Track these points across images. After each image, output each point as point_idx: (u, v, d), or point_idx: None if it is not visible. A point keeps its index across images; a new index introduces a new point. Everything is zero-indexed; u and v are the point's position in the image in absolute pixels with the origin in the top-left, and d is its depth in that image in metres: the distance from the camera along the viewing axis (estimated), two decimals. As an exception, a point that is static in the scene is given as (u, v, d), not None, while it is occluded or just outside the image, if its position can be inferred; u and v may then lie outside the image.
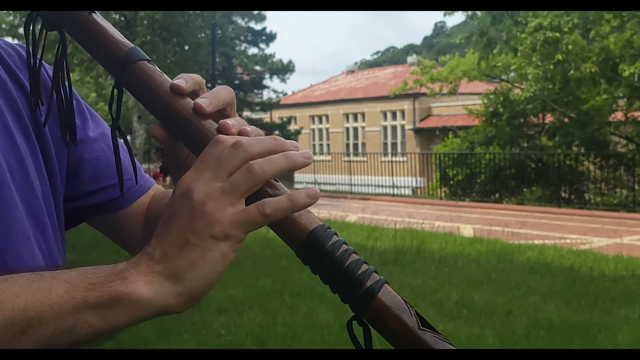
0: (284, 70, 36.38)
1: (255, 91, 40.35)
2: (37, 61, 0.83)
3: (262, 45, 37.23)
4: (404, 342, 0.69)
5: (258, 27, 35.93)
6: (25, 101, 0.88)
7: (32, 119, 0.86)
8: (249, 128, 0.75)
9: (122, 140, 0.88)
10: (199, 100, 0.73)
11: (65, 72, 0.83)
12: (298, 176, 25.81)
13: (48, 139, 0.86)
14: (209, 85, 24.59)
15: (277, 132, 35.81)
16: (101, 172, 0.93)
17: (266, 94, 44.54)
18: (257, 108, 37.62)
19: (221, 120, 0.73)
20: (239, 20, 21.36)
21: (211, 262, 0.67)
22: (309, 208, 0.71)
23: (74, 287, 0.65)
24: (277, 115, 40.37)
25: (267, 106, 37.95)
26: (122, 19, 17.11)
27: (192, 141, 0.73)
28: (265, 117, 39.92)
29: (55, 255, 0.84)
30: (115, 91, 0.77)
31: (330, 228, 0.71)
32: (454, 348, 0.69)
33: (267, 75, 37.25)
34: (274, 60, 36.47)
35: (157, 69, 0.75)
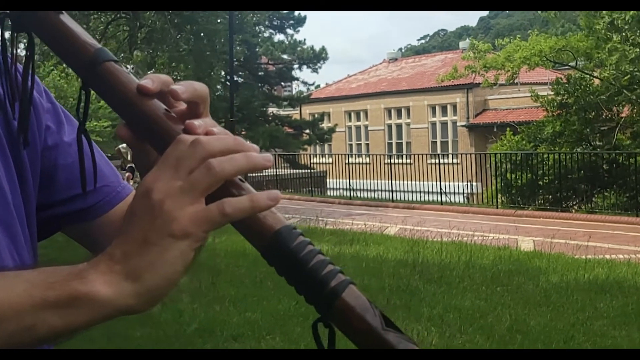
0: (315, 58, 36.52)
1: (283, 84, 40.61)
2: (10, 64, 0.91)
3: (289, 31, 37.48)
4: (367, 342, 0.76)
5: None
6: None
7: (3, 124, 0.95)
8: (217, 129, 0.83)
9: (95, 145, 0.97)
10: (174, 87, 0.82)
11: (31, 74, 0.91)
12: (331, 181, 25.89)
13: (20, 144, 0.95)
14: (227, 77, 24.63)
15: (307, 131, 35.99)
16: (76, 178, 0.99)
17: (295, 87, 44.84)
18: (285, 103, 37.79)
19: (187, 120, 0.81)
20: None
21: (170, 261, 0.74)
22: (273, 209, 0.79)
23: (33, 286, 0.74)
24: (307, 111, 40.53)
25: (296, 100, 38.11)
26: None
27: (158, 142, 0.81)
28: (294, 113, 40.14)
29: (27, 264, 0.93)
30: (83, 93, 0.85)
31: (296, 229, 0.79)
32: (417, 348, 0.77)
33: (295, 65, 37.40)
34: (304, 47, 36.62)
35: (124, 69, 0.84)
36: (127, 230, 0.77)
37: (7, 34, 0.88)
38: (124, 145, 18.86)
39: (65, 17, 0.84)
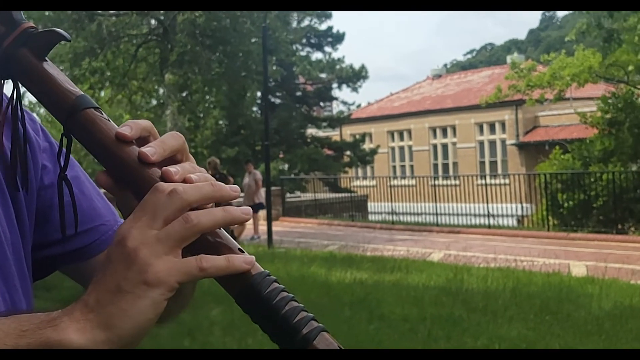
0: (355, 77, 36.59)
1: (322, 104, 40.68)
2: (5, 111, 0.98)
3: (327, 49, 37.63)
4: None
5: (322, 26, 36.38)
6: None
7: (1, 164, 1.00)
8: (195, 176, 0.87)
9: (90, 181, 1.02)
10: (143, 149, 0.86)
11: (20, 118, 0.97)
12: (372, 205, 25.85)
13: (18, 184, 1.00)
14: (259, 102, 24.49)
15: (348, 152, 36.00)
16: (72, 217, 1.02)
17: (335, 107, 44.96)
18: (324, 124, 37.82)
19: (164, 168, 0.86)
20: (300, 20, 21.47)
21: (142, 310, 0.78)
22: (248, 256, 0.83)
23: (6, 334, 0.78)
24: (348, 132, 40.59)
25: (336, 121, 38.15)
26: (159, 24, 17.64)
27: (136, 189, 0.86)
28: (334, 134, 40.20)
29: (20, 306, 0.97)
30: (65, 140, 0.91)
31: (270, 275, 0.83)
32: None
33: (334, 84, 37.51)
34: (343, 65, 36.71)
35: (105, 116, 0.89)
36: (101, 277, 0.81)
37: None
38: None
39: (49, 65, 0.90)
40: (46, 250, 1.07)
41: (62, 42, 1.04)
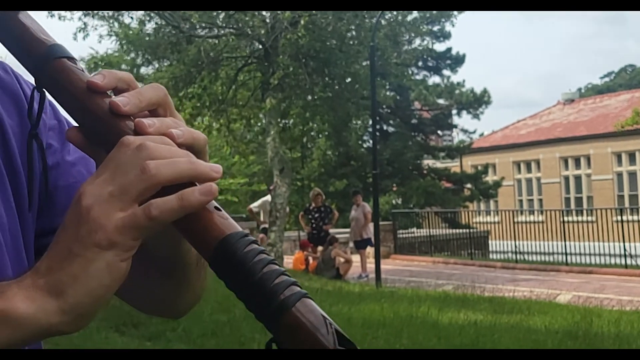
0: (476, 102, 36.24)
1: (440, 132, 40.50)
2: None
3: (446, 72, 37.47)
4: None
5: (440, 47, 36.30)
6: None
7: (2, 148, 0.99)
8: (178, 131, 0.83)
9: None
10: (115, 99, 0.83)
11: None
12: (494, 243, 25.42)
13: (18, 165, 0.99)
14: (370, 130, 24.59)
15: (469, 185, 35.60)
16: None
17: (456, 136, 44.61)
18: (442, 154, 37.51)
19: (137, 119, 0.82)
20: (411, 40, 21.44)
21: (95, 274, 0.75)
22: (224, 214, 0.80)
23: None
24: (469, 163, 40.23)
25: (455, 151, 37.79)
26: (260, 47, 17.94)
27: (108, 145, 0.82)
28: (454, 165, 39.90)
29: None
30: (36, 93, 0.89)
31: (249, 235, 0.79)
32: None
33: (454, 111, 37.26)
34: (463, 90, 36.43)
35: (79, 66, 0.87)
36: (55, 240, 0.78)
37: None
38: (256, 204, 19.28)
39: (24, 15, 0.88)
40: (50, 237, 1.06)
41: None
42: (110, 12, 18.69)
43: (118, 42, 20.60)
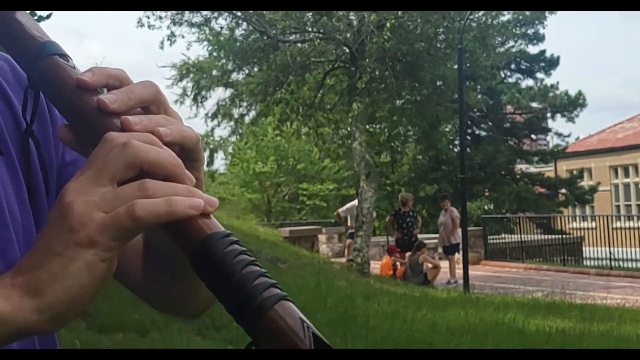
0: (571, 105, 35.58)
1: (533, 136, 39.87)
2: None
3: (539, 75, 36.88)
4: None
5: (533, 50, 35.73)
6: (10, 119, 1.03)
7: (17, 144, 1.01)
8: (167, 129, 0.82)
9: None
10: (103, 96, 0.83)
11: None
12: (588, 249, 24.84)
13: (35, 165, 1.01)
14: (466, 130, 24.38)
15: (563, 190, 34.95)
16: None
17: (550, 140, 43.87)
18: (535, 158, 36.98)
19: (123, 116, 0.82)
20: (503, 42, 21.19)
21: (74, 274, 0.75)
22: (211, 215, 0.80)
23: None
24: (563, 167, 39.49)
25: (549, 155, 37.18)
26: (346, 50, 17.97)
27: (93, 142, 0.82)
28: (548, 170, 39.22)
29: None
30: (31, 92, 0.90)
31: (232, 235, 0.78)
32: None
33: (548, 114, 36.63)
34: (557, 92, 35.81)
35: (71, 64, 0.87)
36: (38, 237, 0.79)
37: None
38: (343, 209, 19.29)
39: (22, 14, 0.89)
40: None
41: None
42: (201, 19, 18.98)
43: (209, 48, 20.94)
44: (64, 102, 0.86)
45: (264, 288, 0.75)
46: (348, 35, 17.42)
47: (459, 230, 17.43)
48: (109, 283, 0.83)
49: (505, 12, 19.22)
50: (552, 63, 36.81)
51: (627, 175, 40.97)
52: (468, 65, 18.27)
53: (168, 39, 19.08)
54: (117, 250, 0.78)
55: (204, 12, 18.49)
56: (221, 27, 19.68)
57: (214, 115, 28.52)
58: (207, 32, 19.89)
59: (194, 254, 0.78)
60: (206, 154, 35.92)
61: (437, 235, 19.18)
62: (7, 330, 0.76)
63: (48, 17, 6.77)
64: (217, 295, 0.77)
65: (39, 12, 6.49)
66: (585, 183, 37.08)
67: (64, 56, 0.87)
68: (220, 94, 40.14)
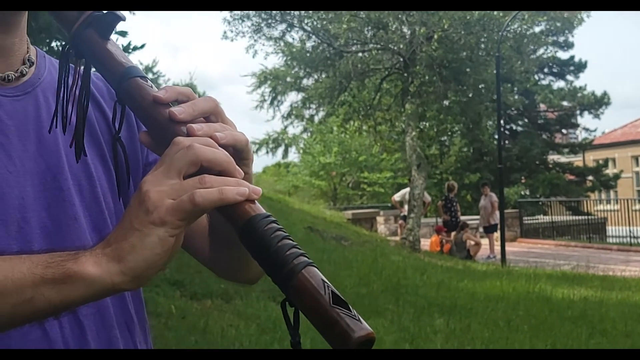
0: (597, 103, 34.90)
1: (564, 131, 39.20)
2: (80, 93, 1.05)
3: (569, 77, 36.26)
4: (315, 317, 0.82)
5: (564, 56, 35.16)
6: (105, 127, 1.16)
7: (109, 144, 1.14)
8: (222, 134, 0.92)
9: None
10: (173, 108, 0.93)
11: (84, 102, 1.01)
12: (612, 228, 24.39)
13: (122, 163, 1.08)
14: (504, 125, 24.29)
15: (590, 177, 34.36)
16: None
17: (579, 134, 43.08)
18: (566, 150, 36.47)
19: (189, 124, 0.92)
20: (535, 49, 20.89)
21: (149, 245, 0.84)
22: (256, 201, 0.89)
23: (35, 265, 0.86)
24: (591, 157, 38.75)
25: (578, 147, 36.60)
26: (400, 59, 17.93)
27: (167, 145, 0.91)
28: (577, 160, 38.52)
29: None
30: (118, 107, 0.99)
31: (271, 216, 0.88)
32: (360, 323, 0.81)
33: (577, 112, 36.00)
34: (585, 93, 35.18)
35: (149, 83, 0.96)
36: (123, 216, 0.89)
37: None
38: (398, 195, 19.26)
39: (111, 43, 0.98)
40: None
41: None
42: (277, 34, 19.12)
43: (284, 59, 21.05)
44: (143, 114, 0.95)
45: (295, 257, 0.84)
46: (401, 46, 17.38)
47: (497, 213, 17.29)
48: (179, 254, 0.92)
49: (538, 23, 18.97)
50: (581, 67, 36.14)
51: (647, 164, 40.07)
52: (505, 70, 18.09)
53: (248, 51, 19.28)
54: (183, 229, 0.86)
55: (280, 27, 18.64)
56: (294, 39, 19.82)
57: (288, 116, 28.57)
58: (282, 44, 20.02)
59: (241, 230, 0.87)
60: (281, 149, 36.25)
61: (478, 217, 19.04)
62: (97, 289, 0.85)
63: (142, 47, 7.19)
64: (259, 262, 0.86)
65: (134, 43, 6.91)
66: (610, 171, 36.32)
67: (144, 78, 0.96)
68: (293, 97, 40.38)
